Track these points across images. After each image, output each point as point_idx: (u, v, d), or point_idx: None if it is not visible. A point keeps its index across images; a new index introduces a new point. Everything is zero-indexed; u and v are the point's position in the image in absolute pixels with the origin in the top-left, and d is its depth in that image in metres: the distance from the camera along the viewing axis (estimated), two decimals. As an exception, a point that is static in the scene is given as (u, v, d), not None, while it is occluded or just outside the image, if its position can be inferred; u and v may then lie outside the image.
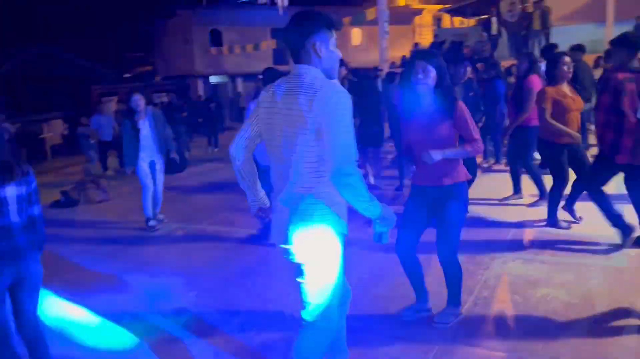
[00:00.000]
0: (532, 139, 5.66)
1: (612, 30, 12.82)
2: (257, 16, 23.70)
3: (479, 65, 9.81)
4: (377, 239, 2.28)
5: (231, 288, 4.34)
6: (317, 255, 2.25)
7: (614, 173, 4.39)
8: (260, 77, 5.78)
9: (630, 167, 4.18)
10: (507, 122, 6.77)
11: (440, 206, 3.24)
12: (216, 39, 24.23)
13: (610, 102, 4.16)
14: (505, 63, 10.50)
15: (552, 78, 4.92)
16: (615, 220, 4.45)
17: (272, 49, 22.61)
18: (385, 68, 13.71)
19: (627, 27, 15.17)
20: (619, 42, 4.27)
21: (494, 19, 16.60)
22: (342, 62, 7.03)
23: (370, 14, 15.51)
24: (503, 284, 4.02)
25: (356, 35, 27.18)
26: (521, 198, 6.12)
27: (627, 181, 4.28)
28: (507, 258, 4.48)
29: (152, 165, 6.21)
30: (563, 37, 14.44)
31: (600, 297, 3.69)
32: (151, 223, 6.23)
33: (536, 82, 5.72)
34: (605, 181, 4.44)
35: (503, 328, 3.41)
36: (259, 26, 23.71)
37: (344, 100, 2.09)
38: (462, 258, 3.41)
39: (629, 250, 4.43)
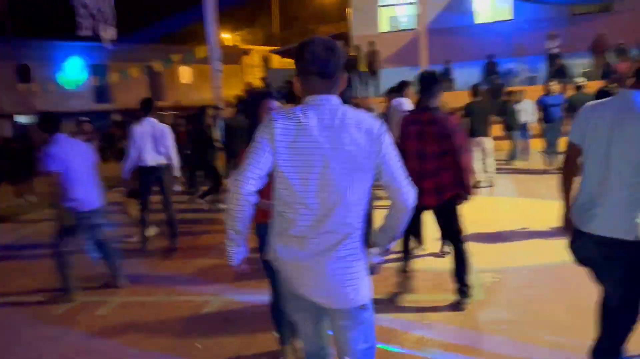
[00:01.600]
0: None
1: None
2: (75, 51, 21.83)
3: None
4: (371, 271, 2.17)
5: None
6: (367, 296, 2.10)
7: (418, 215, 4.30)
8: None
9: (435, 208, 4.11)
10: None
11: None
12: (25, 75, 21.73)
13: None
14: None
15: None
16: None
17: (92, 86, 20.92)
18: (221, 106, 13.38)
19: (437, 70, 17.03)
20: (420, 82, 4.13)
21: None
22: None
23: (199, 52, 15.14)
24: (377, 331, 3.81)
25: (185, 73, 26.55)
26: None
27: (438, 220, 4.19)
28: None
29: None
30: (384, 78, 15.64)
31: (472, 333, 3.69)
32: None
33: None
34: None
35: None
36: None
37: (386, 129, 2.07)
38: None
39: (485, 282, 4.59)
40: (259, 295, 4.19)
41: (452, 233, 4.15)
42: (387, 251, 2.28)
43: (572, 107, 9.37)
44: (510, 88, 12.70)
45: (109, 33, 6.62)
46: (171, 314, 4.44)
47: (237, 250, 2.14)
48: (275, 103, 3.15)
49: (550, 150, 10.25)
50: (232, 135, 8.61)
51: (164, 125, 6.31)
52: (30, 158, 13.83)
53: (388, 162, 2.03)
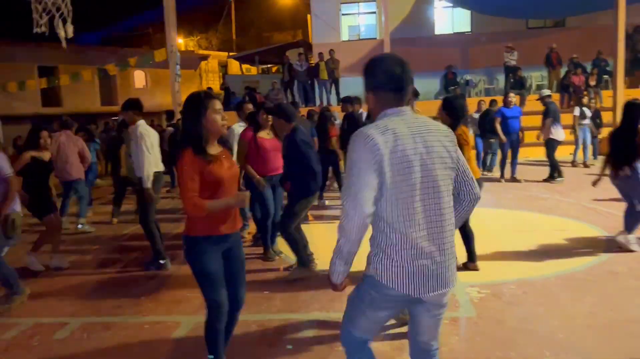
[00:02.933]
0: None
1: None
2: (21, 51, 20.73)
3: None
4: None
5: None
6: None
7: None
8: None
9: None
10: None
11: (232, 253, 3.09)
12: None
13: None
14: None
15: None
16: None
17: (40, 89, 19.88)
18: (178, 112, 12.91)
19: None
20: None
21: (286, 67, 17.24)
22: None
23: (159, 55, 14.56)
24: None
25: (139, 77, 25.69)
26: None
27: None
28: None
29: None
30: (347, 86, 15.55)
31: (468, 353, 3.49)
32: None
33: (248, 134, 5.84)
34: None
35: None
36: (24, 62, 20.72)
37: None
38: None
39: (472, 297, 4.42)
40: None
41: None
42: None
43: (556, 116, 9.96)
44: (491, 98, 12.73)
45: (67, 30, 6.14)
46: (139, 337, 4.05)
47: (345, 269, 2.16)
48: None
49: (505, 161, 10.31)
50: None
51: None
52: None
53: (461, 160, 2.25)
